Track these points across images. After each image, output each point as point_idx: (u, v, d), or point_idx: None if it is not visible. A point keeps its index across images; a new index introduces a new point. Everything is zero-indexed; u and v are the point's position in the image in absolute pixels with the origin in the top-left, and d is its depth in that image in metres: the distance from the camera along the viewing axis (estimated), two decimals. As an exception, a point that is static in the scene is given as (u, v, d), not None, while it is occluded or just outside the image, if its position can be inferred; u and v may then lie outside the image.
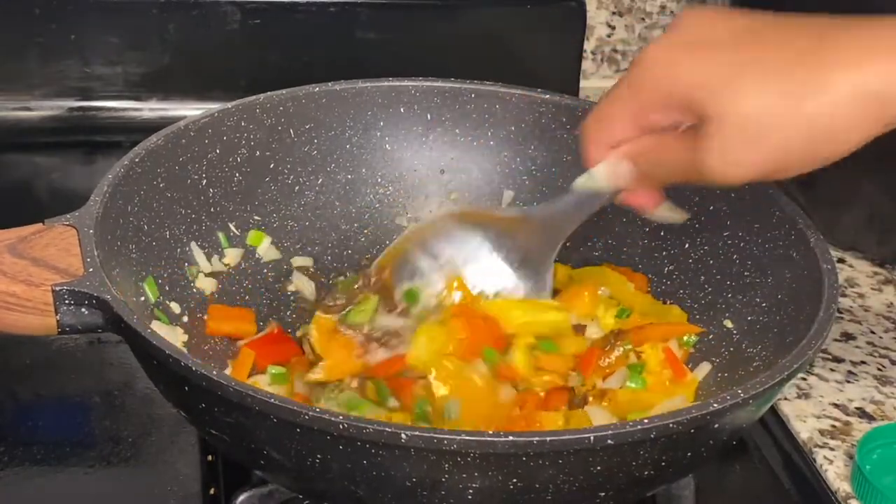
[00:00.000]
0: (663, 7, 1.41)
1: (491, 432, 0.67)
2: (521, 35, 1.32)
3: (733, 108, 0.70)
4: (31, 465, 0.88)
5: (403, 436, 0.67)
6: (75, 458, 0.89)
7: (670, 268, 0.96)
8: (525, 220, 0.93)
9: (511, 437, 0.67)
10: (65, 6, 1.23)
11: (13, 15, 1.23)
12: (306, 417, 0.68)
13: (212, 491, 0.86)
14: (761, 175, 0.72)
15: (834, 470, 0.89)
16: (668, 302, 0.96)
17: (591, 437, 0.68)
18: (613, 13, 1.40)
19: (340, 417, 0.68)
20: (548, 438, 0.68)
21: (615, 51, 1.41)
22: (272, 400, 0.69)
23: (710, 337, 0.91)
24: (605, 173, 0.79)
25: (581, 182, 0.82)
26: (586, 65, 1.41)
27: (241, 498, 0.83)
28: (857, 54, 0.70)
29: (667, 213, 0.84)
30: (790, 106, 0.70)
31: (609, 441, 0.68)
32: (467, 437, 0.67)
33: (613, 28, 1.41)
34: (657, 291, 0.96)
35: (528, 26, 1.32)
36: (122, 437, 0.90)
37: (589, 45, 1.41)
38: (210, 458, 0.88)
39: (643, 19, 1.41)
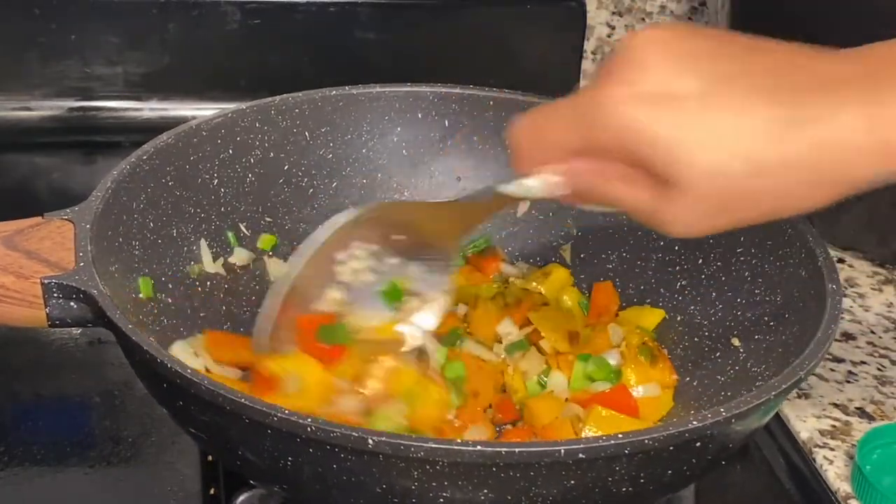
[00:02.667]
0: (663, 7, 1.40)
1: (459, 441, 0.66)
2: (521, 35, 1.31)
3: (699, 180, 0.65)
4: (31, 465, 0.88)
5: (370, 441, 0.66)
6: (75, 458, 0.89)
7: (682, 283, 0.95)
8: (436, 211, 0.88)
9: (479, 447, 0.66)
10: (65, 6, 1.24)
11: (13, 15, 1.24)
12: (275, 419, 0.67)
13: (212, 491, 0.86)
14: (722, 231, 0.69)
15: (834, 470, 0.89)
16: (679, 318, 0.94)
17: (562, 450, 0.66)
18: (613, 13, 1.39)
19: (309, 420, 0.67)
20: (516, 450, 0.66)
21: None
22: (242, 399, 0.68)
23: (718, 355, 0.90)
24: (537, 187, 0.73)
25: (507, 190, 0.76)
26: (586, 65, 1.40)
27: (241, 498, 0.83)
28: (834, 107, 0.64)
29: (598, 207, 0.77)
30: (762, 174, 0.65)
31: (580, 455, 0.66)
32: (434, 445, 0.66)
33: (613, 28, 1.40)
34: (669, 306, 0.95)
35: (528, 26, 1.31)
36: (122, 437, 0.90)
37: (589, 46, 1.40)
38: (210, 458, 0.87)
39: (643, 19, 1.40)
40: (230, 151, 0.96)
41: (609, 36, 1.39)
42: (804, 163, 0.65)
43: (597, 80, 0.69)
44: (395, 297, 0.87)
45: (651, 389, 0.89)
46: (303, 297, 0.86)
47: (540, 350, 0.93)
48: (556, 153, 0.71)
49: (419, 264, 0.87)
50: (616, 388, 0.89)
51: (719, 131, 0.65)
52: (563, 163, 0.71)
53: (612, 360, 0.91)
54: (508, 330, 0.94)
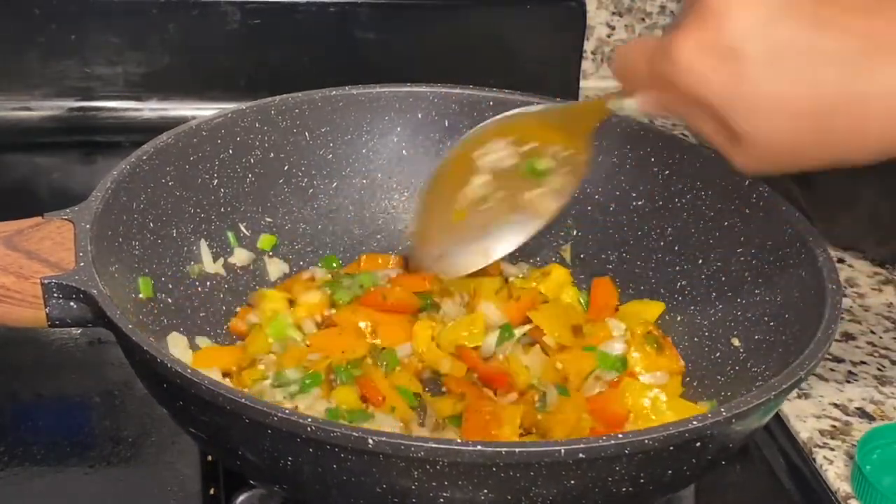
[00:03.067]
0: (663, 7, 1.40)
1: (459, 441, 0.66)
2: (521, 35, 1.31)
3: (757, 139, 0.68)
4: (31, 465, 0.87)
5: (370, 441, 0.66)
6: (75, 458, 0.89)
7: (682, 283, 0.95)
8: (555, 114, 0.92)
9: (479, 447, 0.66)
10: (65, 6, 1.24)
11: (13, 15, 1.24)
12: (275, 419, 0.67)
13: (212, 491, 0.86)
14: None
15: (834, 470, 0.89)
16: (679, 318, 0.94)
17: (563, 450, 0.66)
18: (613, 13, 1.39)
19: (309, 420, 0.67)
20: (517, 450, 0.66)
21: (615, 51, 1.40)
22: (242, 399, 0.68)
23: (718, 355, 0.90)
24: (636, 108, 0.78)
25: (613, 105, 0.84)
26: (586, 65, 1.41)
27: (241, 498, 0.83)
28: None
29: None
30: (822, 136, 0.68)
31: (580, 455, 0.66)
32: (434, 445, 0.66)
33: (613, 28, 1.40)
34: (669, 306, 0.95)
35: (528, 26, 1.31)
36: (122, 437, 0.90)
37: (589, 46, 1.41)
38: (210, 458, 0.87)
39: (643, 19, 1.40)
40: (230, 151, 0.96)
41: (609, 36, 1.40)
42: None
43: (683, 15, 0.70)
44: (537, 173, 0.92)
45: (659, 377, 0.89)
46: (450, 188, 0.91)
47: (543, 349, 0.93)
48: (640, 83, 0.75)
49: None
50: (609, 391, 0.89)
51: (778, 96, 0.67)
52: (649, 90, 0.75)
53: (616, 349, 0.91)
54: (491, 314, 0.94)
